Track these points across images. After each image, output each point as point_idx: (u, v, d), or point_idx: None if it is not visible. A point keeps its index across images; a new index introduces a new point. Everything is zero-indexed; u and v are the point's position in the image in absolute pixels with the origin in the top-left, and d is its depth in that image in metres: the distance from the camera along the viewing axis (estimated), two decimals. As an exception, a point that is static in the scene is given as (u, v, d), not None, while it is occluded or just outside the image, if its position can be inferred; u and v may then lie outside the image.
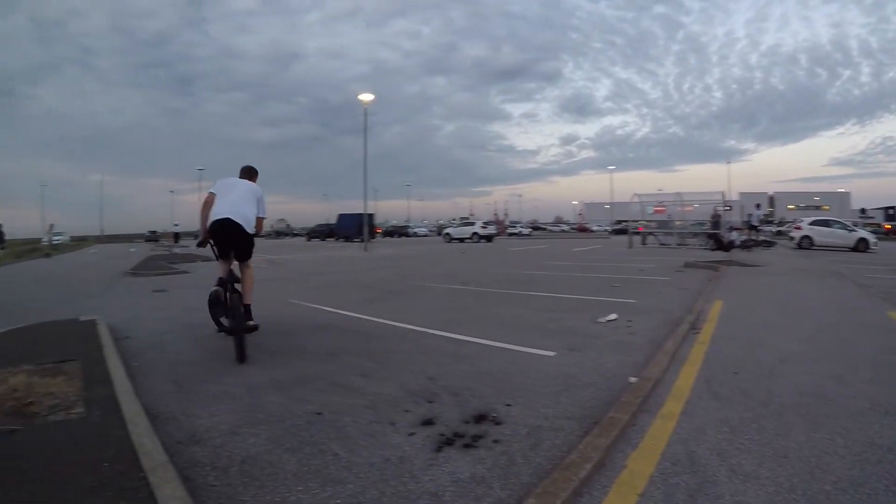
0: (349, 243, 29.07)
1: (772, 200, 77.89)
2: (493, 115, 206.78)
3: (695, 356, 3.75)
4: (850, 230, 17.93)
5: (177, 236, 27.23)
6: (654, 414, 2.64)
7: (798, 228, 19.48)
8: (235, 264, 4.32)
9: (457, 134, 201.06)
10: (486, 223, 33.33)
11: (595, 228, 57.57)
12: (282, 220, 65.26)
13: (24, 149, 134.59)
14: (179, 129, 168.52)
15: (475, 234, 30.56)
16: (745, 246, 17.25)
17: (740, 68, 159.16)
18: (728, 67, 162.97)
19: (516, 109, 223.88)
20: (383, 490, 1.92)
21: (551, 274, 10.30)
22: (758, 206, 19.62)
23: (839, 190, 77.56)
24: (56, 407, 2.63)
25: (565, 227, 64.63)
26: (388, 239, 43.18)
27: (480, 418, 2.57)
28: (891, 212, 50.12)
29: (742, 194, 67.05)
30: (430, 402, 2.85)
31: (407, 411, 2.71)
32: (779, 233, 28.52)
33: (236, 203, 4.16)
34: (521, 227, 53.80)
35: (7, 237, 26.63)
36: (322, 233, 42.12)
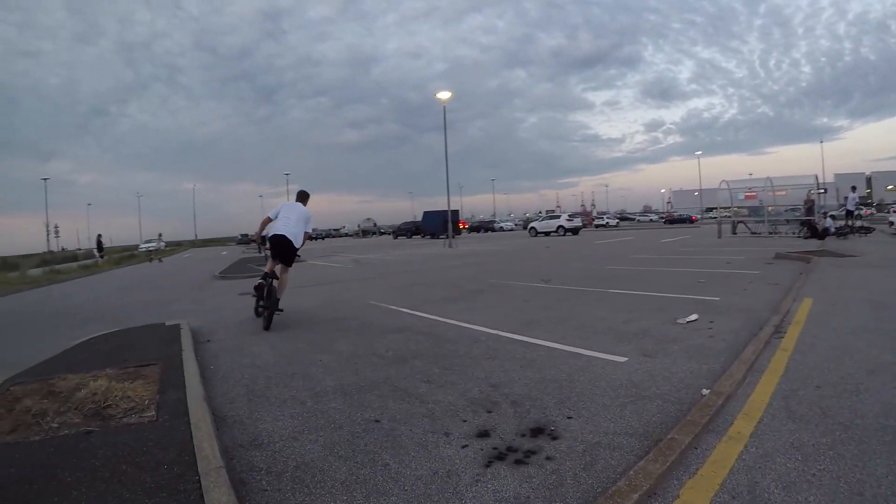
0: (434, 240, 29.62)
1: (869, 181, 68.42)
2: (575, 105, 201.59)
3: (775, 365, 3.30)
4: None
5: (263, 240, 29.39)
6: (720, 435, 2.34)
7: (897, 212, 16.79)
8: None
9: (540, 126, 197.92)
10: (572, 216, 32.21)
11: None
12: (368, 219, 67.05)
13: (120, 163, 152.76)
14: (266, 136, 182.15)
15: (560, 227, 29.76)
16: (841, 233, 15.55)
17: (828, 40, 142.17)
18: (815, 40, 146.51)
19: (598, 97, 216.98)
20: (425, 505, 1.91)
21: (635, 269, 9.80)
22: (853, 188, 17.18)
23: (946, 167, 67.15)
24: (131, 410, 2.93)
25: (653, 217, 62.15)
26: (473, 235, 43.73)
27: (537, 432, 2.46)
28: None
29: (837, 176, 59.30)
30: (490, 411, 2.79)
31: (464, 421, 2.68)
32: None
33: (290, 223, 5.65)
34: (608, 218, 51.97)
35: (105, 246, 29.89)
36: (408, 230, 43.46)
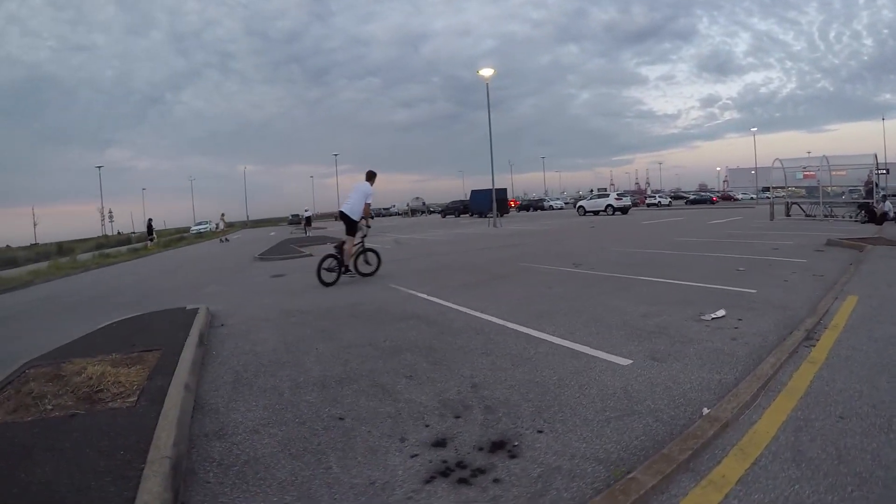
0: (481, 219, 29.51)
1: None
2: (628, 80, 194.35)
3: (796, 384, 2.78)
4: None
5: (308, 220, 30.61)
6: (699, 477, 1.92)
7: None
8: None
9: (593, 102, 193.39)
10: (621, 194, 31.45)
11: (740, 196, 50.92)
12: (417, 198, 67.11)
13: (176, 148, 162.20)
14: (318, 117, 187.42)
15: (609, 206, 29.03)
16: None
17: (891, 10, 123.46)
18: (877, 10, 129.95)
19: (652, 72, 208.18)
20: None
21: (675, 253, 9.23)
22: None
23: None
24: (119, 395, 3.04)
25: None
26: (522, 213, 43.16)
27: (498, 446, 2.24)
28: None
29: (903, 155, 51.50)
30: (458, 417, 2.61)
31: (427, 426, 2.52)
32: None
33: (350, 201, 7.61)
34: (661, 196, 49.98)
35: (160, 228, 31.48)
36: (456, 209, 43.74)
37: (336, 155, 58.31)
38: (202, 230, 46.00)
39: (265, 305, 6.25)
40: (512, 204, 49.73)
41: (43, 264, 17.43)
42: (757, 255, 8.34)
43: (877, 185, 16.18)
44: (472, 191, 38.98)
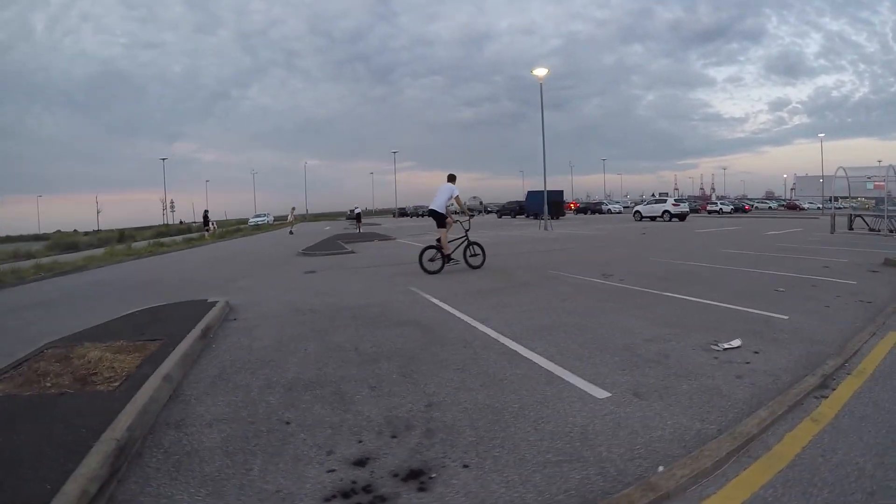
0: (537, 220, 29.35)
1: None
2: (695, 82, 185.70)
3: (784, 449, 2.28)
4: None
5: (359, 217, 31.75)
6: None
7: None
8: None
9: (658, 103, 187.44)
10: (679, 200, 30.38)
11: (806, 206, 47.46)
12: (475, 197, 66.49)
13: (241, 142, 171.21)
14: (382, 115, 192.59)
15: (666, 212, 28.04)
16: None
17: None
18: None
19: (719, 74, 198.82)
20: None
21: (717, 267, 8.62)
22: None
23: None
24: (108, 379, 3.31)
25: (772, 205, 59.82)
26: (580, 216, 42.32)
27: (413, 475, 2.14)
28: None
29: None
30: (394, 436, 2.53)
31: (360, 442, 2.49)
32: None
33: (435, 201, 8.79)
34: (723, 203, 47.69)
35: (221, 219, 32.67)
36: (512, 210, 43.69)
37: (395, 152, 60.11)
38: (260, 222, 48.72)
39: (283, 301, 6.53)
40: (571, 206, 49.62)
41: (100, 251, 18.62)
42: (803, 274, 7.62)
43: None
44: (529, 192, 38.49)
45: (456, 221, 9.20)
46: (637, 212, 30.94)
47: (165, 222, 59.45)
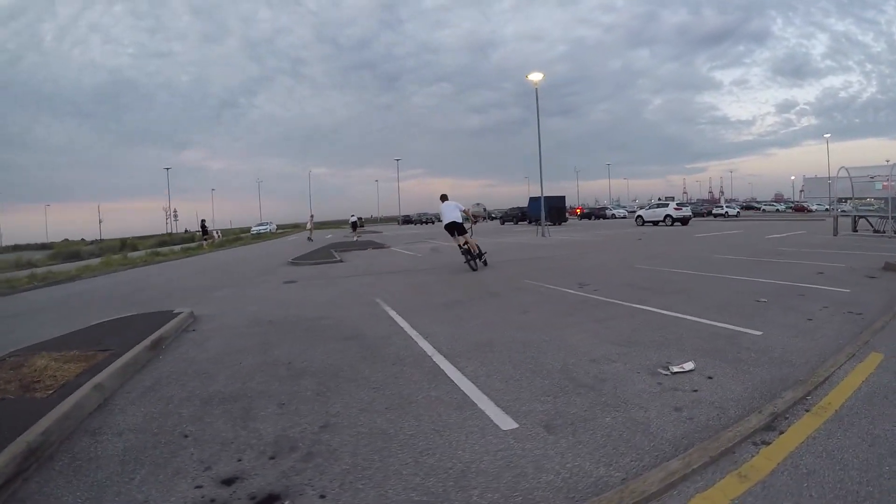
0: (538, 226, 29.71)
1: None
2: (702, 85, 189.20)
3: None
4: None
5: (354, 226, 32.37)
6: None
7: None
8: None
9: (666, 107, 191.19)
10: (680, 204, 30.73)
11: (814, 208, 48.78)
12: (478, 204, 68.28)
13: (250, 150, 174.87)
14: (390, 122, 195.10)
15: (668, 216, 28.61)
16: None
17: None
18: None
19: (726, 76, 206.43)
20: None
21: (703, 275, 8.55)
22: None
23: None
24: (46, 387, 3.61)
25: (780, 207, 60.49)
26: (584, 222, 42.93)
27: (269, 500, 2.26)
28: None
29: None
30: (273, 458, 2.66)
31: (239, 461, 2.63)
32: None
33: (451, 215, 10.63)
34: (728, 207, 49.39)
35: (213, 229, 32.97)
36: (515, 216, 44.81)
37: (398, 160, 61.76)
38: (262, 231, 49.98)
39: (247, 313, 6.82)
40: (577, 212, 51.66)
41: (97, 260, 19.80)
42: (794, 281, 7.41)
43: None
44: (531, 198, 38.99)
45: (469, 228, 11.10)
46: (639, 216, 31.11)
47: (169, 231, 61.54)
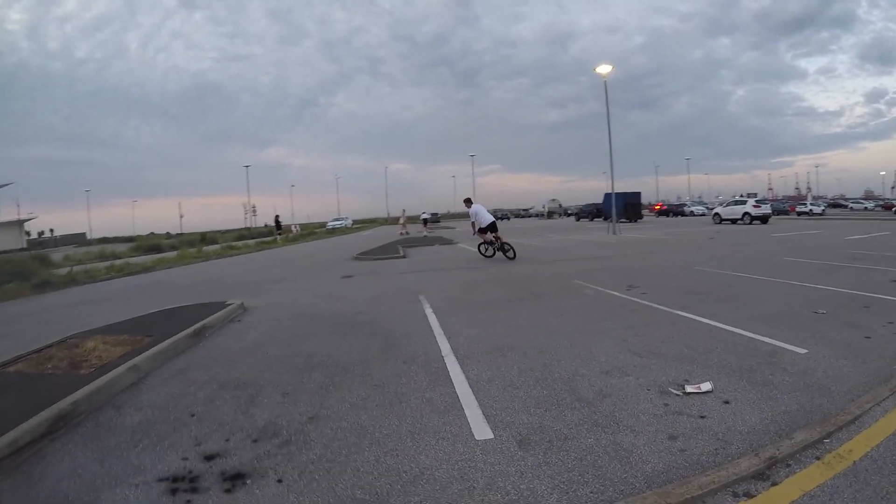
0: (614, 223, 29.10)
1: None
2: (786, 74, 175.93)
3: None
4: None
5: (425, 222, 32.68)
6: None
7: None
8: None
9: (749, 99, 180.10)
10: (759, 201, 29.10)
11: None
12: (554, 200, 67.39)
13: (330, 147, 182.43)
14: (469, 118, 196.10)
15: (746, 214, 27.45)
16: None
17: None
18: None
19: (811, 65, 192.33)
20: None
21: (763, 280, 8.01)
22: None
23: None
24: (91, 366, 4.23)
25: (868, 205, 57.58)
26: (661, 219, 42.13)
27: (234, 477, 2.53)
28: None
29: None
30: (256, 441, 2.94)
31: (227, 440, 2.96)
32: None
33: (489, 216, 12.67)
34: (813, 204, 47.18)
35: (292, 224, 34.36)
36: (589, 213, 44.23)
37: (473, 156, 62.75)
38: (337, 226, 52.59)
39: (295, 306, 7.36)
40: (657, 208, 50.56)
41: (173, 253, 21.80)
42: (863, 290, 6.70)
43: None
44: (605, 194, 37.84)
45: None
46: (716, 214, 30.51)
47: (247, 226, 66.57)
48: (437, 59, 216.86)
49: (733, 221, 28.25)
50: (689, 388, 3.44)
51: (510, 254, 12.50)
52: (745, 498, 2.21)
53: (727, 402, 3.19)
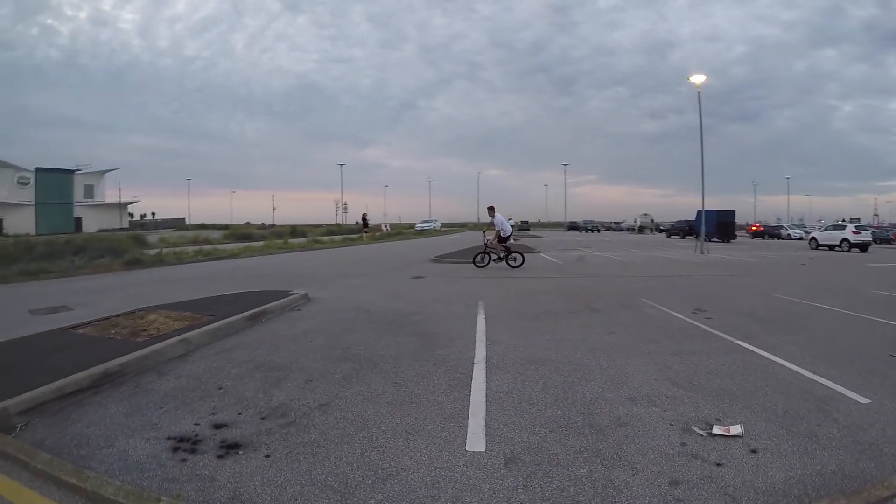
0: (706, 243, 27.42)
1: None
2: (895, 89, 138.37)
3: None
4: None
5: (502, 237, 32.47)
6: None
7: None
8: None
9: (856, 114, 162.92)
10: (860, 227, 27.91)
11: None
12: (646, 214, 64.85)
13: (427, 150, 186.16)
14: (566, 126, 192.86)
15: (844, 240, 26.50)
16: None
17: None
18: None
19: None
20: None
21: (841, 313, 7.43)
22: None
23: None
24: (147, 334, 4.83)
25: None
26: (756, 241, 40.22)
27: (231, 447, 2.79)
28: None
29: None
30: (264, 418, 3.22)
31: (239, 414, 3.30)
32: None
33: (508, 225, 14.07)
34: None
35: (382, 223, 35.29)
36: (681, 230, 42.31)
37: (566, 165, 62.20)
38: (426, 227, 53.90)
39: (356, 301, 7.79)
40: (753, 229, 49.13)
41: (260, 243, 23.50)
42: None
43: None
44: (698, 211, 35.30)
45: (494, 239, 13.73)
46: (813, 238, 29.60)
47: (337, 222, 70.54)
48: (536, 67, 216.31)
49: (831, 247, 27.34)
50: (716, 430, 3.10)
51: (516, 262, 13.16)
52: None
53: (754, 452, 2.82)
